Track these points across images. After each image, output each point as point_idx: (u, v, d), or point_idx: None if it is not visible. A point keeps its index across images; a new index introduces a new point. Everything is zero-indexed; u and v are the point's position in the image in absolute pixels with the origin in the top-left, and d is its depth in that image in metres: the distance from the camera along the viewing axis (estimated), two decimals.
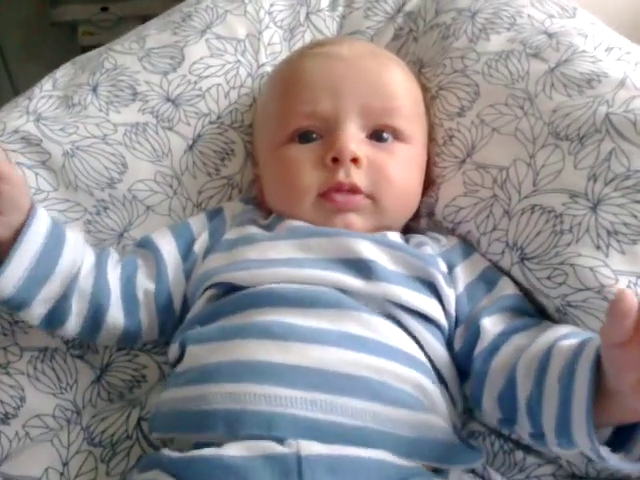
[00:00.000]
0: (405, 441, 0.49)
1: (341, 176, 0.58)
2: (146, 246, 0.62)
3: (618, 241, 0.53)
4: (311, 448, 0.46)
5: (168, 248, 0.61)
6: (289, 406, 0.47)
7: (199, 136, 0.70)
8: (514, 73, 0.63)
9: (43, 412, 0.60)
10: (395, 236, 0.60)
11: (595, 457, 0.43)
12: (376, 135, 0.61)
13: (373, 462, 0.47)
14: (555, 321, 0.56)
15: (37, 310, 0.55)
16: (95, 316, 0.57)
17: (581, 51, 0.62)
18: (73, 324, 0.57)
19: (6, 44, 1.53)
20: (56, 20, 1.50)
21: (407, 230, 0.65)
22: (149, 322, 0.60)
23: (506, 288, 0.57)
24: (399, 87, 0.65)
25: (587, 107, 0.58)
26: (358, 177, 0.59)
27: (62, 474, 0.58)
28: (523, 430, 0.50)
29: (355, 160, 0.59)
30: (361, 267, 0.55)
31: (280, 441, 0.46)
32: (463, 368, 0.55)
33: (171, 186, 0.68)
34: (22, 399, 0.60)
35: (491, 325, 0.54)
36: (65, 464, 0.58)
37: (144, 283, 0.60)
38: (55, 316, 0.56)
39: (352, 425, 0.47)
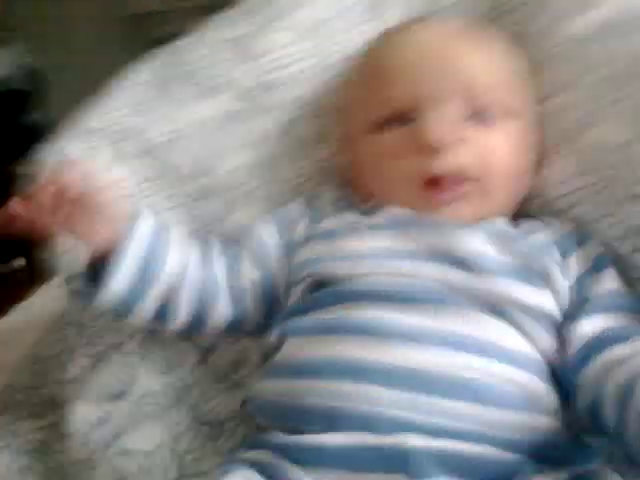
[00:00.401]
0: (511, 442, 0.47)
1: (435, 166, 0.55)
2: (248, 234, 0.62)
3: None
4: (415, 441, 0.45)
5: (270, 236, 0.61)
6: (385, 406, 0.46)
7: (293, 122, 0.69)
8: (637, 43, 0.58)
9: (154, 389, 0.62)
10: (503, 223, 0.57)
11: None
12: (480, 115, 0.58)
13: (481, 456, 0.46)
14: None
15: (147, 308, 0.56)
16: (203, 311, 0.58)
17: None
18: (182, 320, 0.58)
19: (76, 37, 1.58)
20: (129, 13, 1.53)
21: (518, 214, 0.62)
22: (254, 310, 0.60)
23: (609, 282, 0.53)
24: (499, 62, 0.61)
25: None
26: (462, 161, 0.56)
27: (173, 449, 0.59)
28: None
29: (454, 145, 0.56)
30: (467, 260, 0.52)
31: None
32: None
33: (270, 171, 0.68)
34: (134, 377, 0.62)
35: (587, 327, 0.50)
36: (176, 440, 0.60)
37: (249, 272, 0.60)
38: (165, 313, 0.57)
39: (454, 427, 0.46)
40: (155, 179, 0.66)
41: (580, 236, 0.57)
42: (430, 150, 0.56)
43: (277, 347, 0.55)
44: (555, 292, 0.52)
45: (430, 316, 0.50)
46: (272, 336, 0.56)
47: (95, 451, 0.58)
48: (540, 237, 0.56)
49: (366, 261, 0.54)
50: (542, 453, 0.47)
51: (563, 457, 0.48)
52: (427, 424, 0.46)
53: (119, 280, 0.54)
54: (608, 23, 0.61)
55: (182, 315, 0.58)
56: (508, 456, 0.46)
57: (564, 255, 0.55)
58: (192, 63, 0.72)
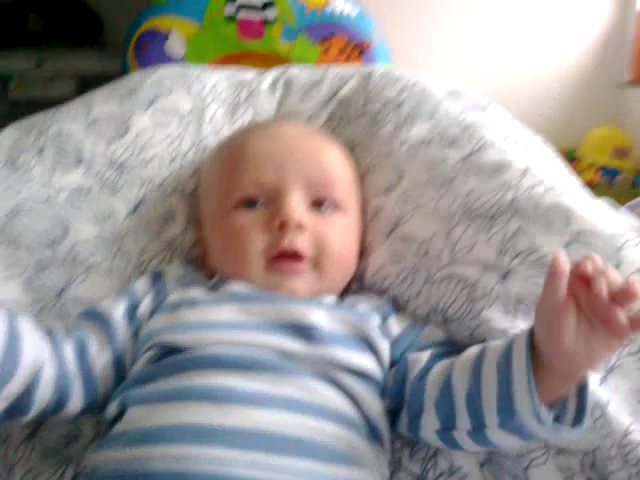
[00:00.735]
0: None
1: (286, 242, 0.63)
2: (93, 315, 0.62)
3: (526, 306, 0.60)
4: None
5: (115, 315, 0.61)
6: (232, 467, 0.49)
7: (142, 202, 0.74)
8: (434, 159, 0.72)
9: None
10: (331, 299, 0.65)
11: (542, 430, 0.48)
12: (317, 205, 0.68)
13: None
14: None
15: None
16: (57, 404, 0.56)
17: (490, 142, 0.71)
18: (33, 414, 0.55)
19: None
20: None
21: (342, 293, 0.70)
22: (106, 392, 0.59)
23: (433, 331, 0.63)
24: (336, 162, 0.72)
25: (496, 191, 0.66)
26: (302, 243, 0.64)
27: None
28: (462, 431, 0.53)
29: (300, 227, 0.64)
30: (302, 331, 0.58)
31: None
32: (395, 405, 0.58)
33: (112, 248, 0.70)
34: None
35: (420, 355, 0.59)
36: None
37: (99, 357, 0.59)
38: (16, 410, 0.54)
39: None
40: None
41: (395, 307, 0.67)
42: (276, 231, 0.64)
43: (115, 419, 0.56)
44: (378, 354, 0.59)
45: (268, 382, 0.54)
46: (110, 408, 0.57)
47: None
48: (363, 306, 0.64)
49: (209, 332, 0.57)
50: None
51: None
52: None
53: None
54: (420, 140, 0.74)
55: (32, 412, 0.54)
56: None
57: (384, 318, 0.64)
58: (43, 137, 0.75)
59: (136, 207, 0.73)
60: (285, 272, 0.64)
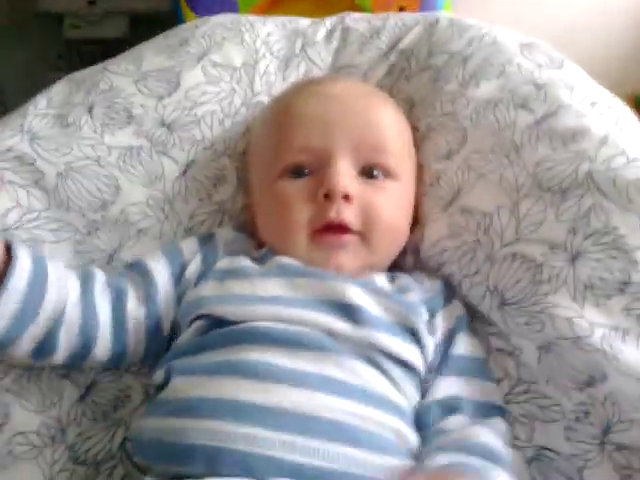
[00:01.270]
0: None
1: (332, 213, 0.60)
2: (137, 269, 0.62)
3: (594, 295, 0.55)
4: None
5: (160, 272, 0.62)
6: (267, 448, 0.48)
7: (192, 161, 0.72)
8: (501, 122, 0.66)
9: (27, 429, 0.60)
10: (382, 280, 0.62)
11: None
12: (366, 172, 0.63)
13: None
14: (536, 359, 0.58)
15: (24, 347, 0.55)
16: (84, 347, 0.58)
17: (567, 104, 0.65)
18: (61, 356, 0.57)
19: None
20: (41, 11, 1.49)
21: (393, 267, 0.67)
22: (135, 346, 0.60)
23: (458, 346, 0.60)
24: (390, 126, 0.67)
25: (570, 162, 0.60)
26: (348, 215, 0.61)
27: None
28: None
29: (347, 197, 0.60)
30: (348, 311, 0.56)
31: None
32: None
33: (163, 210, 0.69)
34: (6, 416, 0.60)
35: (440, 389, 0.57)
36: None
37: (134, 309, 0.60)
38: (42, 351, 0.56)
39: (330, 468, 0.49)
40: (42, 211, 0.65)
41: (446, 295, 0.63)
42: (321, 201, 0.60)
43: (161, 386, 0.56)
44: (422, 347, 0.57)
45: (312, 361, 0.53)
46: (157, 375, 0.57)
47: None
48: (412, 297, 0.61)
49: (255, 307, 0.56)
50: None
51: None
52: (304, 466, 0.48)
53: None
54: (487, 99, 0.68)
55: (59, 354, 0.57)
56: None
57: (432, 314, 0.61)
58: (93, 94, 0.72)
59: (187, 168, 0.71)
60: (331, 246, 0.61)
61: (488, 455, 0.51)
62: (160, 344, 0.61)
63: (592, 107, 0.65)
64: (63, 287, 0.57)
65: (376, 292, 0.59)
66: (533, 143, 0.63)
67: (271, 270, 0.60)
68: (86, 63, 0.80)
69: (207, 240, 0.66)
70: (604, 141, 0.61)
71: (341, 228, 0.61)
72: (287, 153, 0.64)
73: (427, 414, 0.56)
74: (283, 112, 0.67)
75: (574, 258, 0.57)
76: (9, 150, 0.66)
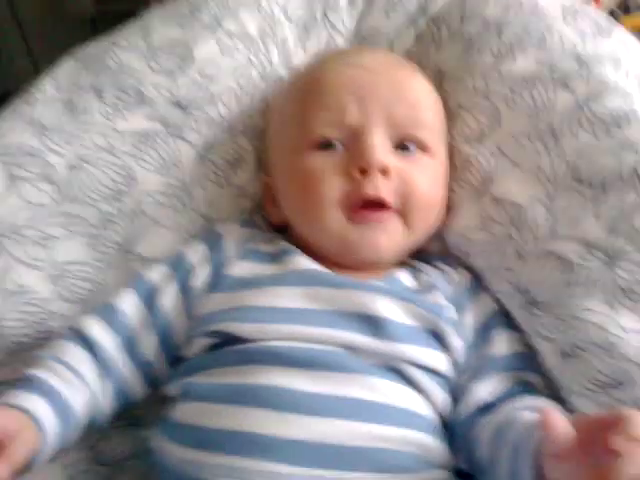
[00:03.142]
0: None
1: (369, 189, 0.56)
2: (142, 289, 0.59)
3: (631, 300, 0.52)
4: None
5: (167, 288, 0.59)
6: None
7: (210, 145, 0.68)
8: (539, 102, 0.60)
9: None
10: (406, 277, 0.59)
11: None
12: (402, 146, 0.60)
13: None
14: (556, 365, 0.56)
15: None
16: (126, 402, 0.58)
17: (612, 85, 0.59)
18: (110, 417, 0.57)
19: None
20: None
21: (418, 252, 0.64)
22: (164, 372, 0.59)
23: (498, 345, 0.57)
24: (423, 98, 0.63)
25: (613, 153, 0.55)
26: (387, 190, 0.57)
27: None
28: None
29: (384, 171, 0.56)
30: (372, 323, 0.53)
31: None
32: None
33: (180, 198, 0.66)
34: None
35: (481, 392, 0.54)
36: None
37: (147, 346, 0.58)
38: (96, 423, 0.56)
39: None
40: (52, 206, 0.63)
41: (474, 289, 0.60)
42: (357, 176, 0.56)
43: (177, 398, 0.55)
44: (451, 351, 0.55)
45: (334, 382, 0.50)
46: (171, 389, 0.56)
47: None
48: (438, 296, 0.58)
49: (272, 324, 0.53)
50: None
51: None
52: None
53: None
54: (524, 75, 0.62)
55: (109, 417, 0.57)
56: None
57: (460, 311, 0.58)
58: (102, 75, 0.69)
59: (204, 152, 0.68)
60: (370, 223, 0.57)
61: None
62: (180, 355, 0.59)
63: None
64: (83, 391, 0.53)
65: (401, 297, 0.56)
66: (573, 129, 0.58)
67: (288, 276, 0.57)
68: None
69: (215, 243, 0.62)
70: None
71: (379, 205, 0.57)
72: (317, 126, 0.59)
73: (472, 421, 0.53)
74: (310, 83, 0.63)
75: (613, 260, 0.53)
76: (19, 146, 0.63)
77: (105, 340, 0.56)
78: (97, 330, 0.56)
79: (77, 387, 0.53)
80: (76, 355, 0.55)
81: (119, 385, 0.56)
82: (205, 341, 0.56)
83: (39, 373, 0.51)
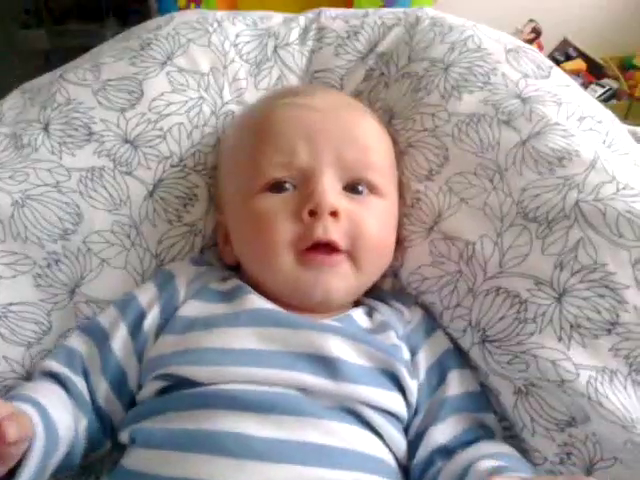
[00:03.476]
0: None
1: (320, 231, 0.56)
2: (92, 333, 0.58)
3: (580, 335, 0.53)
4: None
5: (117, 332, 0.58)
6: None
7: (160, 181, 0.67)
8: (485, 141, 0.62)
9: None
10: (360, 316, 0.59)
11: None
12: (351, 188, 0.60)
13: None
14: (512, 404, 0.56)
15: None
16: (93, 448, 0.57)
17: (554, 123, 0.61)
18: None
19: None
20: None
21: (371, 290, 0.64)
22: (118, 414, 0.57)
23: (453, 385, 0.57)
24: (373, 140, 0.63)
25: (557, 190, 0.57)
26: (337, 232, 0.57)
27: None
28: None
29: (334, 213, 0.57)
30: (326, 364, 0.53)
31: None
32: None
33: (129, 236, 0.65)
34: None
35: (436, 435, 0.54)
36: None
37: (101, 390, 0.57)
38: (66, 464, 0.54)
39: None
40: None
41: (428, 328, 0.61)
42: (307, 219, 0.56)
43: (128, 445, 0.53)
44: (406, 391, 0.55)
45: (289, 428, 0.49)
46: (122, 435, 0.54)
47: None
48: (391, 336, 0.58)
49: (226, 366, 0.52)
50: None
51: None
52: None
53: None
54: (470, 113, 0.64)
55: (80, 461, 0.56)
56: None
57: (413, 352, 0.58)
58: (49, 109, 0.67)
59: (154, 188, 0.67)
60: (320, 265, 0.57)
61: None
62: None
63: (580, 123, 0.62)
64: (64, 418, 0.52)
65: (355, 337, 0.55)
66: (518, 166, 0.60)
67: (241, 316, 0.56)
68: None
69: (166, 283, 0.61)
70: (593, 165, 0.58)
71: (329, 247, 0.57)
72: (268, 168, 0.59)
73: (431, 464, 0.53)
74: (260, 124, 0.63)
75: (561, 296, 0.54)
76: None
77: (74, 381, 0.56)
78: (64, 370, 0.56)
79: (61, 410, 0.52)
80: (51, 389, 0.54)
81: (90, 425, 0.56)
82: (156, 384, 0.54)
83: (23, 390, 0.52)
